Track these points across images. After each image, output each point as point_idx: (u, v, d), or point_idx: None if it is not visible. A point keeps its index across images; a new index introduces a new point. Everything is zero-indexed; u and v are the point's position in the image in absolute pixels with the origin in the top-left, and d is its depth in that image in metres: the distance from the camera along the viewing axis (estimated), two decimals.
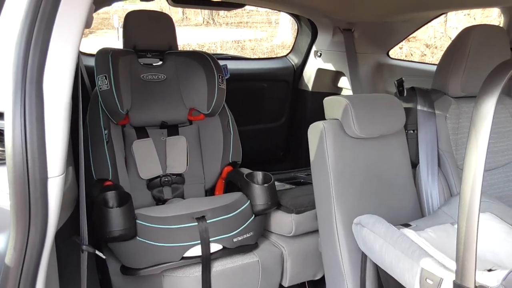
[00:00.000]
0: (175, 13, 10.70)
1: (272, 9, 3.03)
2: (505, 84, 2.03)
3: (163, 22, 1.99)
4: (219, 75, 1.97)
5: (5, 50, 0.83)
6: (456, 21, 8.19)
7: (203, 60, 1.99)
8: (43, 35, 0.83)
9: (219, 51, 8.03)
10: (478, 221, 0.82)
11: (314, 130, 1.45)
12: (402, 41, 2.58)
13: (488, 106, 0.83)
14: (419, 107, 1.61)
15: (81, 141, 1.15)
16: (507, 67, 0.86)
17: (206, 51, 2.31)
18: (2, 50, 0.84)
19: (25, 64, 0.82)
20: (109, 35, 8.69)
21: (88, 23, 1.04)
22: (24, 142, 0.81)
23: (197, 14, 11.19)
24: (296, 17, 2.71)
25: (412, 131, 1.61)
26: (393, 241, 1.14)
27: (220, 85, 1.95)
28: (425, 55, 7.32)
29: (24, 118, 0.81)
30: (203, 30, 10.16)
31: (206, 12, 10.37)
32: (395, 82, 1.69)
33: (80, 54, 2.17)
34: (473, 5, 2.10)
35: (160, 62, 2.01)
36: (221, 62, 2.09)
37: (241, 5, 2.39)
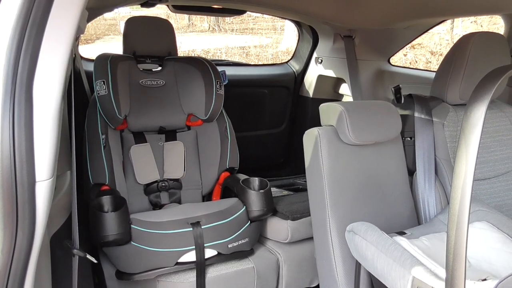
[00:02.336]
0: (182, 19, 10.78)
1: (273, 15, 3.04)
2: (504, 91, 1.99)
3: (163, 28, 2.00)
4: (217, 81, 1.97)
5: None
6: (463, 28, 8.16)
7: (202, 66, 2.00)
8: (34, 39, 0.83)
9: (224, 57, 8.06)
10: (467, 230, 0.80)
11: (309, 137, 1.45)
12: (403, 48, 2.57)
13: (478, 114, 0.82)
14: (416, 114, 1.59)
15: (73, 145, 1.16)
16: (497, 74, 0.85)
17: (209, 57, 2.32)
18: None
19: (15, 68, 0.82)
20: (116, 41, 8.75)
21: (81, 29, 1.05)
22: (12, 145, 0.81)
23: (202, 21, 11.25)
24: (297, 23, 2.71)
25: (409, 139, 1.60)
26: (385, 249, 1.13)
27: (218, 91, 1.96)
28: (430, 62, 7.29)
29: (12, 122, 0.81)
30: (209, 36, 10.21)
31: (212, 18, 10.42)
32: (392, 88, 1.68)
33: (81, 59, 2.20)
34: (473, 12, 2.09)
35: (159, 68, 2.02)
36: (220, 68, 2.10)
37: (242, 12, 2.40)
